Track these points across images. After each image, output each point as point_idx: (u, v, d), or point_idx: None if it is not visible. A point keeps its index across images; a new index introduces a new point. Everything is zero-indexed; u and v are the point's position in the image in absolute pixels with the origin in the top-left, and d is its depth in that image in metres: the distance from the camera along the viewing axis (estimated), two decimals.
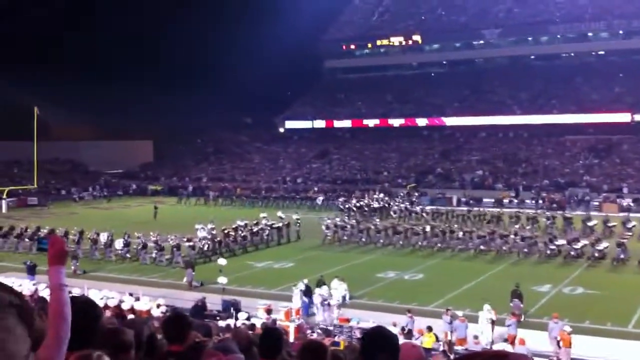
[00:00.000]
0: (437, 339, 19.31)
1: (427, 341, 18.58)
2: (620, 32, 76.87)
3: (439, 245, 36.04)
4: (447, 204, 56.63)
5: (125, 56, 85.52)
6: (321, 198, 59.30)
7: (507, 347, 17.86)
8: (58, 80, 78.69)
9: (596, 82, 73.76)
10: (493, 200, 54.77)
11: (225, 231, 36.32)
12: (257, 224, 38.96)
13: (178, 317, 4.79)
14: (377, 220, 41.89)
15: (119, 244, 35.08)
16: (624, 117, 65.39)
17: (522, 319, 22.34)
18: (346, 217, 44.24)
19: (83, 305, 3.12)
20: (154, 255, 33.55)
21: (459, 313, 20.91)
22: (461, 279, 28.55)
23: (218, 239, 35.31)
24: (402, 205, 50.78)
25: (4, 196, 58.30)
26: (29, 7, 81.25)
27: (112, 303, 21.40)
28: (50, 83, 77.58)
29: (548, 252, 33.16)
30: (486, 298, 21.93)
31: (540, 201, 53.68)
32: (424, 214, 47.05)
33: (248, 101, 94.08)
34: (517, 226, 39.21)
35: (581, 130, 67.23)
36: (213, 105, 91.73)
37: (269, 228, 38.94)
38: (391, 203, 52.56)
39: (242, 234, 36.96)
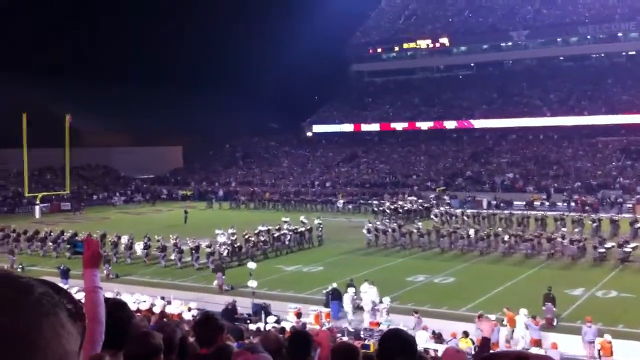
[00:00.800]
0: (474, 344, 19.14)
1: (463, 347, 18.43)
2: None
3: (485, 249, 35.18)
4: (477, 207, 56.25)
5: (155, 64, 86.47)
6: (342, 202, 59.19)
7: (540, 352, 17.67)
8: (90, 88, 79.93)
9: (627, 82, 72.78)
10: (524, 203, 54.22)
11: (246, 236, 35.80)
12: (279, 229, 38.43)
13: (210, 319, 4.81)
14: (420, 223, 40.77)
15: (139, 247, 35.53)
16: None
17: (555, 323, 22.11)
18: (387, 221, 43.31)
19: (113, 307, 3.16)
20: (172, 257, 34.03)
21: (491, 317, 20.70)
22: (492, 283, 28.31)
23: (238, 244, 34.80)
24: (441, 208, 49.90)
25: (38, 202, 59.24)
26: (63, 20, 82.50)
27: (143, 307, 21.62)
28: (82, 90, 78.81)
29: (597, 255, 32.29)
30: (508, 307, 21.64)
31: (573, 204, 53.01)
32: (464, 217, 46.08)
33: (276, 106, 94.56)
34: (564, 229, 38.21)
35: (613, 131, 66.30)
36: (241, 111, 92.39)
37: (291, 233, 38.26)
38: (427, 205, 52.27)
39: (263, 239, 36.25)
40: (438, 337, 19.90)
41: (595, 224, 39.66)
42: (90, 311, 2.70)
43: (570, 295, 25.83)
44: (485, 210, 49.30)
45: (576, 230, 37.72)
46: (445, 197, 57.43)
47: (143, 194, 72.13)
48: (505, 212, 47.13)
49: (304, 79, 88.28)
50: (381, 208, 51.42)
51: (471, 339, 19.03)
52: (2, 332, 1.11)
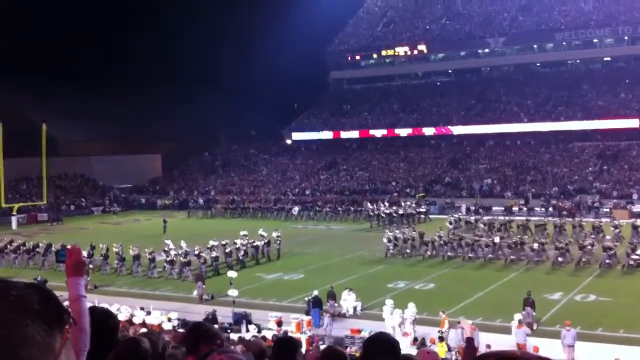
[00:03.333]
0: (450, 349, 19.19)
1: (439, 351, 18.47)
2: (626, 38, 76.75)
3: (511, 258, 34.05)
4: (456, 213, 56.65)
5: (134, 72, 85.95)
6: (297, 209, 59.10)
7: None
8: (67, 96, 79.12)
9: (603, 88, 73.66)
10: (503, 208, 54.59)
11: (197, 252, 33.78)
12: (235, 243, 36.31)
13: (198, 327, 4.79)
14: (441, 231, 39.12)
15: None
16: (631, 123, 65.12)
17: (535, 327, 22.25)
18: (405, 229, 40.80)
19: (101, 315, 3.14)
20: (114, 265, 34.55)
21: (469, 322, 20.77)
22: (472, 288, 28.44)
23: (187, 259, 33.15)
24: (456, 215, 48.56)
25: (14, 212, 58.50)
26: (39, 22, 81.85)
27: (123, 317, 21.45)
28: (59, 99, 78.02)
29: (631, 262, 31.51)
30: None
31: (550, 208, 53.49)
32: (481, 224, 43.91)
33: (255, 113, 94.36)
34: (594, 236, 36.93)
35: (589, 136, 67.07)
36: (220, 119, 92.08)
37: (245, 247, 36.13)
38: (419, 210, 53.48)
39: (213, 255, 34.10)
40: (421, 344, 19.95)
41: (617, 230, 38.55)
42: (74, 321, 2.67)
43: (549, 299, 26.03)
44: (502, 217, 47.43)
45: (608, 237, 36.32)
46: (415, 205, 57.29)
47: (119, 203, 71.70)
48: (521, 218, 45.72)
49: (283, 86, 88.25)
50: (377, 212, 51.72)
51: (447, 344, 19.08)
52: None
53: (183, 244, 35.88)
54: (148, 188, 79.58)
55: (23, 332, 1.17)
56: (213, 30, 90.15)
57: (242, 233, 39.05)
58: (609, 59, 78.88)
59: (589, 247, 33.01)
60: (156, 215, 61.75)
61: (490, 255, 34.73)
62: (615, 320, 22.95)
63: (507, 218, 46.18)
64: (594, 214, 50.06)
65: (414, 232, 39.00)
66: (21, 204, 61.05)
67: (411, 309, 22.69)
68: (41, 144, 56.11)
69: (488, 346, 19.38)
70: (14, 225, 56.75)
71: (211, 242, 36.30)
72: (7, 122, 54.72)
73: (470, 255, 35.25)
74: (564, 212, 50.73)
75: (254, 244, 36.97)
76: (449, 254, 35.85)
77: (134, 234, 47.34)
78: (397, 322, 22.57)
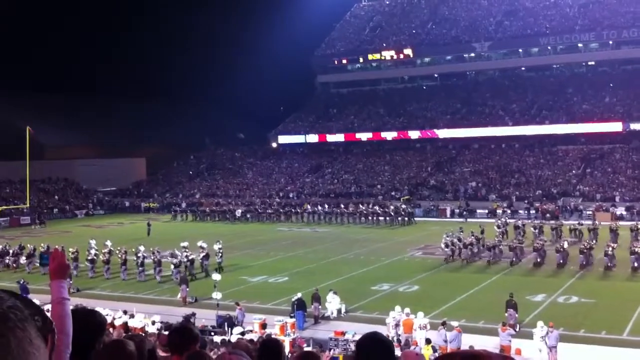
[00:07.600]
0: (435, 351, 19.27)
1: (425, 354, 18.55)
2: (610, 42, 77.40)
3: (582, 263, 32.48)
4: (441, 216, 57.14)
5: (119, 75, 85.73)
6: (240, 211, 59.27)
7: None
8: (51, 100, 78.78)
9: (587, 92, 74.24)
10: (487, 211, 54.88)
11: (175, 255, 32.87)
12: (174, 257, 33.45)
13: (186, 328, 4.81)
14: (501, 236, 38.18)
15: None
16: (615, 127, 65.72)
17: (518, 329, 22.38)
18: (460, 234, 38.74)
19: (85, 316, 3.16)
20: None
21: (455, 324, 20.91)
22: (455, 290, 28.53)
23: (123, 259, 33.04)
24: (503, 219, 46.70)
25: None
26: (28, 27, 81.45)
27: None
28: (42, 102, 77.66)
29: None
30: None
31: (533, 211, 53.89)
32: (532, 229, 42.20)
33: (241, 117, 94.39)
34: None
35: (573, 140, 67.59)
36: (206, 122, 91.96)
37: (178, 260, 32.97)
38: (410, 211, 55.35)
39: (140, 264, 32.50)
40: (405, 345, 20.04)
41: (633, 233, 38.12)
42: (57, 323, 2.71)
43: (532, 301, 26.17)
44: (554, 222, 45.28)
45: None
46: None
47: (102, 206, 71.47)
48: (574, 222, 44.62)
49: (270, 90, 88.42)
50: (387, 211, 53.49)
51: (433, 346, 19.16)
52: None
53: (108, 242, 36.83)
54: (132, 191, 79.20)
55: (20, 337, 1.18)
56: (201, 35, 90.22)
57: (182, 244, 36.03)
58: (593, 63, 79.51)
59: None
60: (140, 218, 61.57)
61: (561, 261, 33.16)
62: (598, 321, 23.13)
63: (557, 222, 44.49)
64: (576, 217, 50.44)
65: (472, 237, 37.64)
66: (4, 207, 60.64)
67: (335, 302, 24.21)
68: (24, 148, 55.71)
69: (471, 347, 19.52)
70: None
71: (140, 253, 33.89)
72: None
73: (538, 260, 33.81)
74: (547, 215, 51.21)
75: (190, 256, 33.72)
76: (513, 259, 34.38)
77: (118, 237, 47.07)
78: (334, 316, 24.09)
